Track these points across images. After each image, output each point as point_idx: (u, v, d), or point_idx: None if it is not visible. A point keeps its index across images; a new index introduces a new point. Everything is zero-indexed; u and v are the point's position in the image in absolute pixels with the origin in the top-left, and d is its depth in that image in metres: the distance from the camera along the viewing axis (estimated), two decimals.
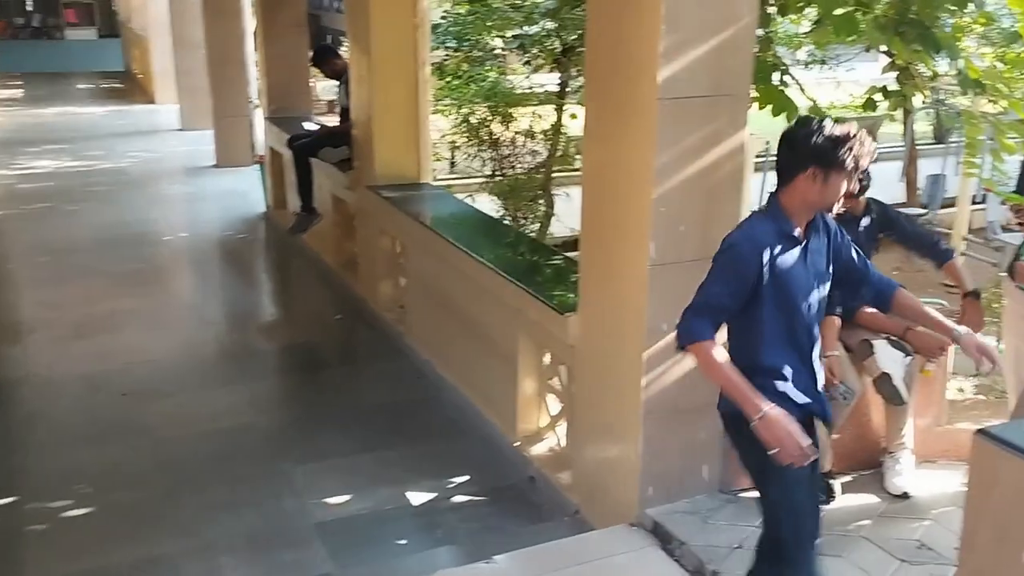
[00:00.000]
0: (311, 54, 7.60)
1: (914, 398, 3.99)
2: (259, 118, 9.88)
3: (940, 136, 15.33)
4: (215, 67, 11.45)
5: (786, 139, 2.77)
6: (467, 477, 4.63)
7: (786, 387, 2.78)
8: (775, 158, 2.79)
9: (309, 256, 7.95)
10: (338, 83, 7.26)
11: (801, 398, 2.80)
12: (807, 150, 2.69)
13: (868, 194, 4.13)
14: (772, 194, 2.82)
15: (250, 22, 11.14)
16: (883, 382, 3.86)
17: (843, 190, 2.74)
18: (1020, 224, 3.93)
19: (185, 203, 10.26)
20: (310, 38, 9.58)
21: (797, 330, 2.79)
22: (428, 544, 4.14)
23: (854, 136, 2.70)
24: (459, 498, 4.47)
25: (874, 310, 4.08)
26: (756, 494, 2.93)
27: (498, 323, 4.94)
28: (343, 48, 8.28)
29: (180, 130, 13.85)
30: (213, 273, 7.99)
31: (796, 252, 2.75)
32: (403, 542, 4.12)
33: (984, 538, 2.26)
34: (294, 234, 7.54)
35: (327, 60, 7.30)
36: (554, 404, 4.80)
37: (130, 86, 18.46)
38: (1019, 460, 2.13)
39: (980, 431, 2.28)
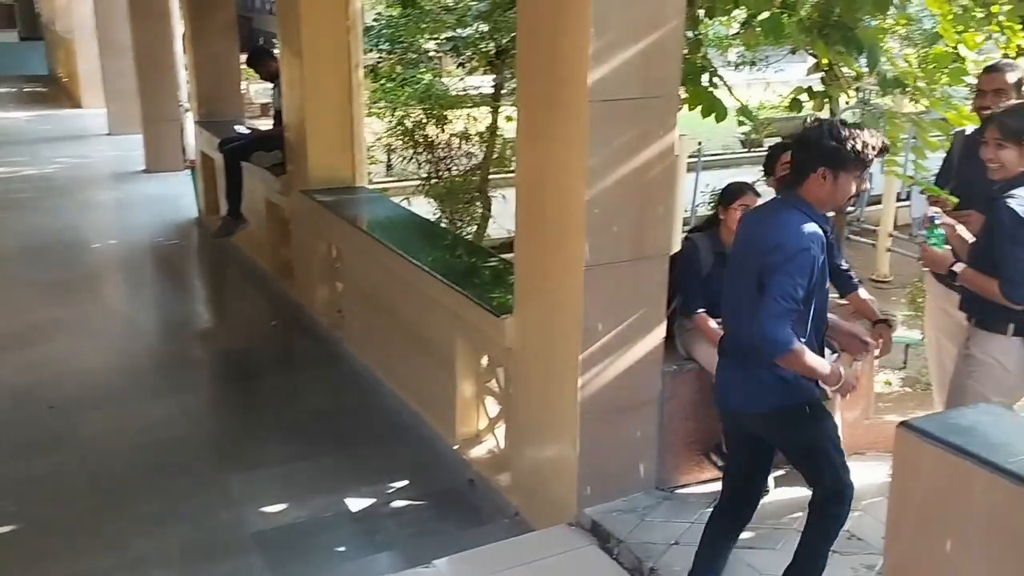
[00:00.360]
0: (246, 56, 7.48)
1: (846, 404, 4.08)
2: (190, 122, 9.71)
3: None
4: (144, 70, 11.23)
5: (798, 141, 3.03)
6: (406, 482, 4.61)
7: None
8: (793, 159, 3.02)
9: (243, 262, 7.84)
10: (273, 85, 7.17)
11: None
12: (817, 151, 2.89)
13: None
14: (793, 193, 3.00)
15: (179, 24, 10.93)
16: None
17: (853, 190, 2.95)
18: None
19: (114, 210, 10.03)
20: (241, 40, 9.45)
21: (820, 317, 3.13)
22: (367, 551, 4.11)
23: (861, 137, 2.89)
24: (398, 503, 4.45)
25: None
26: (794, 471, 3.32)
27: (435, 326, 4.93)
28: (276, 50, 8.17)
29: (108, 135, 13.51)
30: (144, 281, 7.82)
31: (824, 247, 2.99)
32: (341, 549, 4.10)
33: (908, 527, 2.33)
34: (218, 238, 7.44)
35: (262, 61, 7.20)
36: (493, 406, 4.80)
37: (55, 90, 17.98)
38: (940, 451, 2.20)
39: (903, 423, 2.35)
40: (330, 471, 4.68)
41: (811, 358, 3.01)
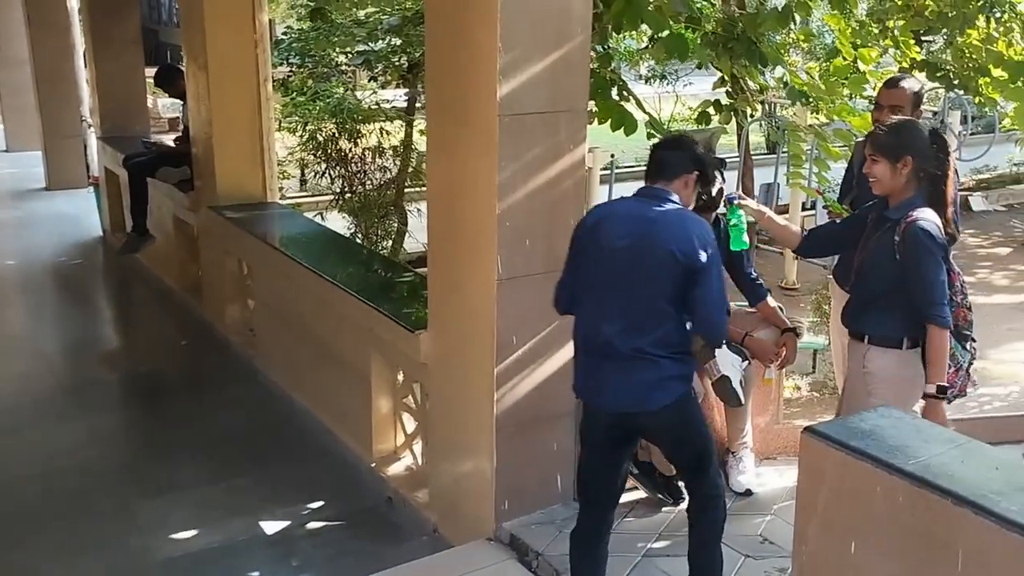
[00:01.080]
0: (154, 73, 7.26)
1: (752, 399, 4.17)
2: (93, 138, 9.42)
3: (772, 147, 16.15)
4: (43, 84, 10.87)
5: (678, 144, 3.30)
6: (323, 502, 4.53)
7: None
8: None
9: (151, 281, 7.63)
10: (183, 103, 7.02)
11: None
12: (691, 157, 3.20)
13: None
14: (666, 191, 3.17)
15: (81, 37, 10.62)
16: (722, 385, 4.02)
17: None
18: None
19: (13, 229, 9.64)
20: (147, 53, 9.22)
21: None
22: (283, 574, 4.03)
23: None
24: (315, 524, 4.37)
25: None
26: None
27: (350, 343, 4.87)
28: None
29: (5, 151, 13.04)
30: (47, 302, 7.53)
31: None
32: (256, 574, 4.00)
33: (814, 530, 2.38)
34: (123, 255, 7.24)
35: (172, 81, 7.02)
36: (410, 422, 4.76)
37: None
38: (843, 455, 2.26)
39: (807, 429, 2.41)
40: (244, 493, 4.58)
41: None
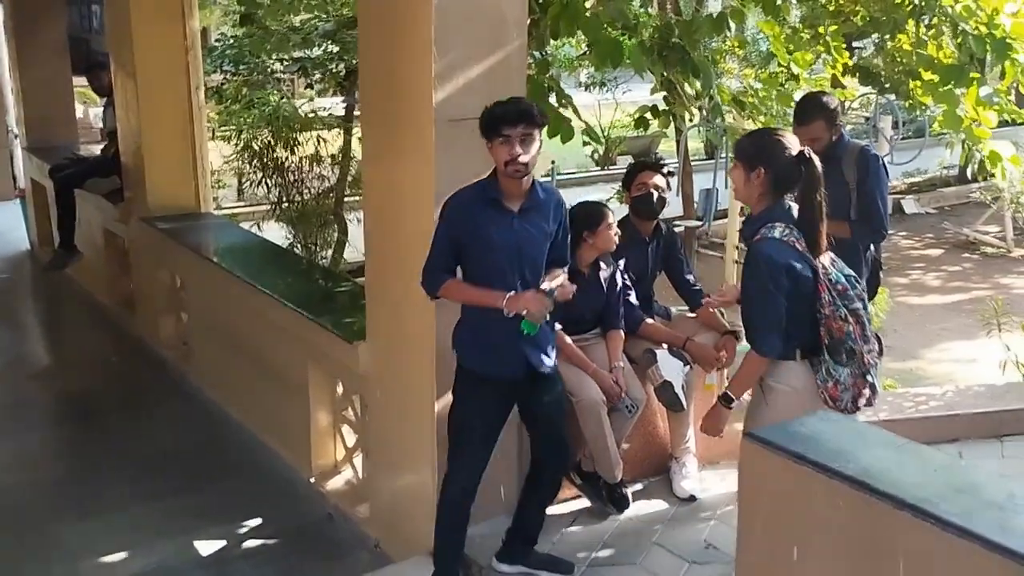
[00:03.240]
0: (84, 66, 7.01)
1: (694, 404, 4.16)
2: (19, 149, 9.12)
3: (711, 152, 16.35)
4: None
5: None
6: (260, 520, 4.41)
7: None
8: None
9: (81, 295, 7.40)
10: (105, 102, 6.80)
11: None
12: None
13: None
14: None
15: (4, 46, 10.28)
16: (664, 390, 4.01)
17: (501, 155, 3.10)
18: None
19: None
20: (78, 62, 8.94)
21: None
22: None
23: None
24: (252, 543, 4.26)
25: (653, 322, 4.26)
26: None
27: (286, 355, 4.76)
28: None
29: None
30: None
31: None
32: None
33: (757, 536, 2.36)
34: (49, 271, 7.01)
35: (94, 72, 6.79)
36: (350, 436, 4.67)
37: None
38: (783, 460, 2.24)
39: (748, 434, 2.39)
40: (178, 513, 4.43)
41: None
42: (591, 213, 4.06)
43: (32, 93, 8.26)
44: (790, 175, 3.11)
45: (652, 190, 4.15)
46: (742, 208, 10.75)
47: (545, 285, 3.18)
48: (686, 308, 4.44)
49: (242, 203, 10.54)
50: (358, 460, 4.59)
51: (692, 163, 13.37)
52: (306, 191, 8.01)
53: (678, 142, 12.00)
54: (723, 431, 3.44)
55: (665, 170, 4.24)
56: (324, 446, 4.68)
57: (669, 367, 4.00)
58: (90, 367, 6.24)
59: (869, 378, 3.11)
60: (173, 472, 4.81)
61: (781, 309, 3.09)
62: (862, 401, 3.11)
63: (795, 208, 3.16)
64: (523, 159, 3.07)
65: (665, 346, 4.14)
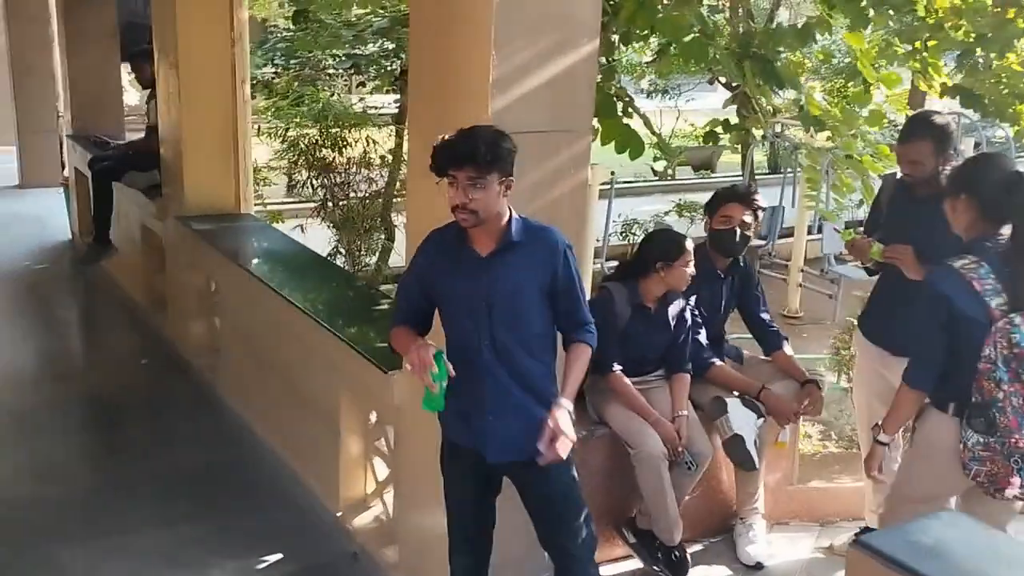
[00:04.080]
0: (128, 55, 6.72)
1: (765, 461, 3.71)
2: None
3: (775, 166, 15.74)
4: (18, 77, 10.42)
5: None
6: (279, 555, 4.04)
7: None
8: None
9: (116, 292, 7.13)
10: (148, 95, 6.52)
11: None
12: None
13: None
14: None
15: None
16: (733, 445, 3.57)
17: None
18: (861, 264, 3.75)
19: None
20: (131, 48, 8.71)
21: None
22: None
23: None
24: None
25: (724, 365, 3.81)
26: None
27: (318, 377, 4.39)
28: None
29: None
30: (1, 312, 7.01)
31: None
32: None
33: None
34: (83, 265, 6.74)
35: (138, 63, 6.50)
36: (382, 468, 4.28)
37: None
38: None
39: (856, 542, 1.95)
40: (192, 542, 4.08)
41: None
42: (670, 244, 3.62)
43: (79, 79, 8.05)
44: (999, 202, 2.80)
45: (737, 226, 3.71)
46: (809, 227, 10.24)
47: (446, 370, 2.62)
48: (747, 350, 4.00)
49: (291, 199, 10.24)
50: (389, 496, 4.20)
51: (756, 178, 12.86)
52: (353, 193, 7.65)
53: (744, 156, 11.47)
54: (881, 471, 3.07)
55: (756, 203, 3.77)
56: (353, 478, 4.30)
57: (740, 419, 3.56)
58: (116, 370, 5.94)
59: (1015, 464, 2.66)
60: (191, 494, 4.47)
61: (936, 344, 2.82)
62: (1010, 491, 2.67)
63: None
64: (472, 206, 2.58)
65: (736, 394, 3.69)
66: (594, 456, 3.60)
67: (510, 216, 2.70)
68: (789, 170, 13.84)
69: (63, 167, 9.83)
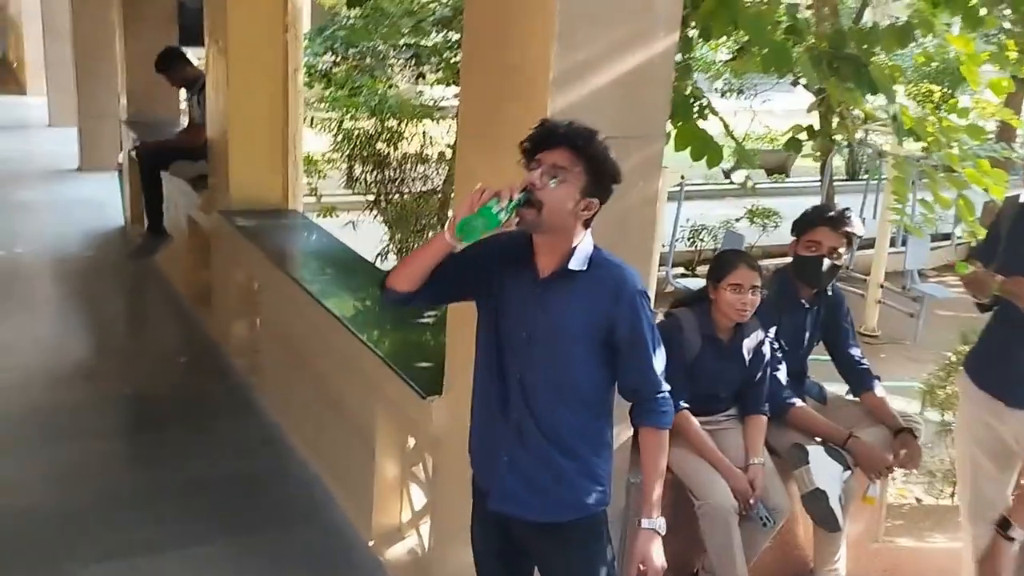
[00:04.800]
0: (156, 57, 6.49)
1: (849, 519, 3.26)
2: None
3: (854, 173, 15.05)
4: (83, 59, 10.33)
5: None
6: None
7: None
8: None
9: (162, 284, 6.90)
10: (187, 93, 6.31)
11: None
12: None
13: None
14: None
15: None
16: (815, 501, 3.13)
17: None
18: (974, 300, 3.24)
19: (33, 212, 9.00)
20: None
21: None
22: None
23: None
24: None
25: (806, 406, 3.37)
26: None
27: (355, 392, 4.06)
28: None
29: (48, 126, 12.57)
30: (42, 300, 6.80)
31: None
32: None
33: None
34: (136, 259, 6.52)
35: (171, 66, 6.29)
36: (419, 497, 3.93)
37: (4, 75, 16.94)
38: None
39: None
40: (213, 564, 3.78)
41: None
42: (716, 262, 3.23)
43: (135, 64, 7.84)
44: None
45: (826, 254, 3.27)
46: (893, 239, 9.64)
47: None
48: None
49: (348, 192, 9.97)
50: (425, 527, 3.85)
51: (835, 184, 12.24)
52: (407, 190, 7.32)
53: (823, 163, 10.87)
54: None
55: (850, 229, 3.32)
56: (388, 504, 3.96)
57: (824, 471, 3.12)
58: (153, 368, 5.68)
59: None
60: (217, 509, 4.17)
61: None
62: None
63: None
64: (540, 195, 2.18)
65: (819, 441, 3.25)
66: None
67: (580, 243, 2.30)
68: (871, 178, 13.20)
69: (121, 151, 9.73)
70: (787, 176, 14.31)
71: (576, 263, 2.26)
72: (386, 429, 3.86)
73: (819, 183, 11.84)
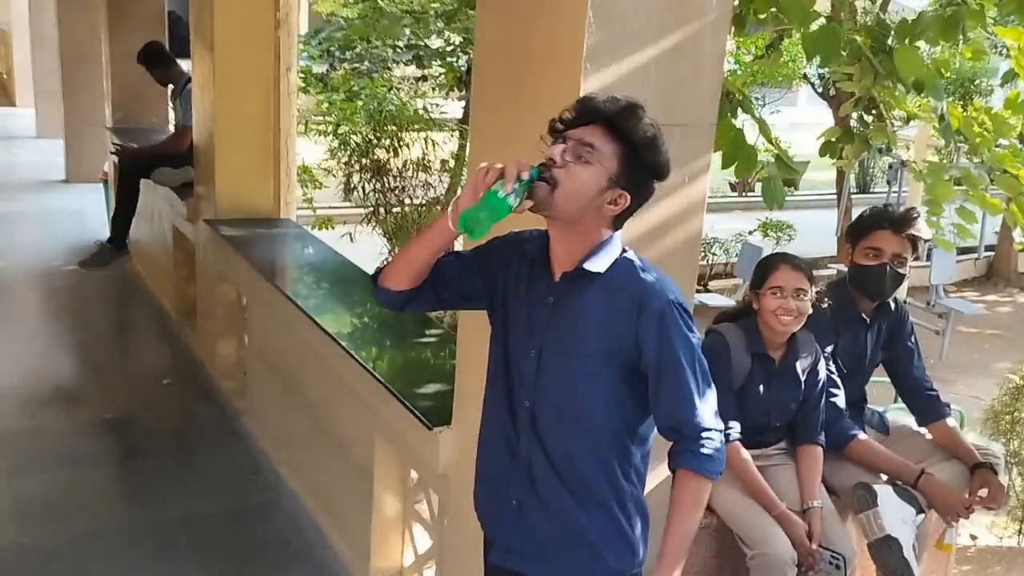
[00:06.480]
0: (138, 52, 6.09)
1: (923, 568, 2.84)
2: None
3: (864, 185, 14.69)
4: (69, 66, 9.99)
5: None
6: None
7: None
8: None
9: (146, 299, 6.50)
10: (171, 92, 5.93)
11: None
12: None
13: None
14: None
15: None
16: (885, 549, 2.69)
17: None
18: None
19: (17, 224, 8.59)
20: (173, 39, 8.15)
21: None
22: None
23: None
24: None
25: (869, 439, 2.95)
26: None
27: (351, 419, 3.64)
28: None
29: (35, 137, 12.19)
30: (17, 315, 6.37)
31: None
32: None
33: None
34: (86, 268, 6.13)
35: (155, 61, 5.90)
36: (423, 538, 3.50)
37: None
38: None
39: None
40: None
41: None
42: (760, 265, 2.83)
43: (120, 68, 7.44)
44: None
45: (888, 261, 2.86)
46: (917, 254, 9.26)
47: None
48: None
49: (345, 203, 9.59)
50: (430, 572, 3.41)
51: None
52: (408, 200, 6.91)
53: (840, 173, 10.41)
54: None
55: (915, 232, 2.91)
56: (388, 546, 3.52)
57: (895, 514, 2.69)
58: (135, 390, 5.25)
59: None
60: (201, 548, 3.76)
61: None
62: None
63: None
64: (558, 172, 1.79)
65: (885, 478, 2.83)
66: (696, 551, 2.76)
67: (606, 243, 1.89)
68: (883, 189, 12.83)
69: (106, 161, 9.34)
70: (796, 189, 13.96)
71: (594, 264, 1.86)
72: (386, 461, 3.43)
73: (832, 195, 11.46)
